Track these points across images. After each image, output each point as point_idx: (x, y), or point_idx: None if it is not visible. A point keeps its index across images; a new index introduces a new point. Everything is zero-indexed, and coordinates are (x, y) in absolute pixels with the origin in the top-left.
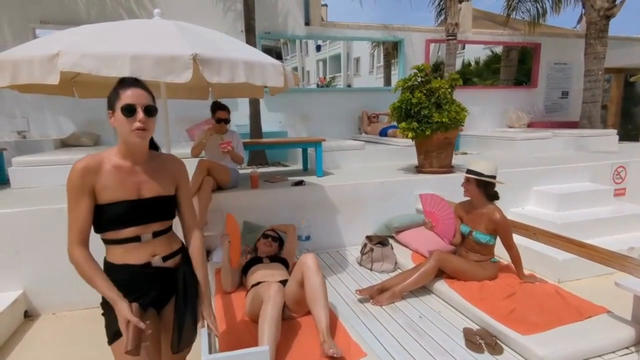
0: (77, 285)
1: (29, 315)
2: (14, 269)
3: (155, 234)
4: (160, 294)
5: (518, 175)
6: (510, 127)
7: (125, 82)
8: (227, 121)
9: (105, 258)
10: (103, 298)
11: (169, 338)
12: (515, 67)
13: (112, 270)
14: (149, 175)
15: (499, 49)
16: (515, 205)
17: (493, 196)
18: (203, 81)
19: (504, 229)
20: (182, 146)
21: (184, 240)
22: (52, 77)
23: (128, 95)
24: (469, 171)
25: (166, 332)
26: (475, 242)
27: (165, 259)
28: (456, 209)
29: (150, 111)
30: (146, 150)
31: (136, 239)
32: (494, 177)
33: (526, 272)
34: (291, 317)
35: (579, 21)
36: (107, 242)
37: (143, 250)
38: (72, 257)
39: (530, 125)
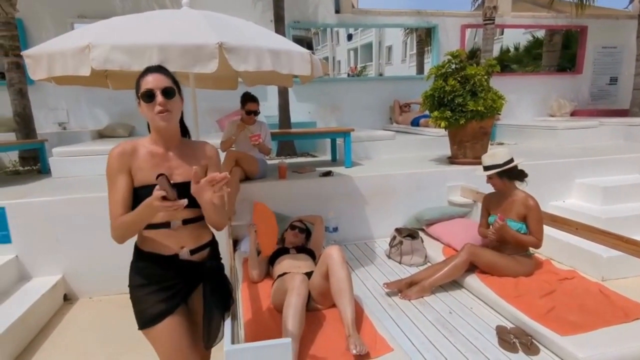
0: (111, 271)
1: (68, 299)
2: (54, 254)
3: (185, 222)
4: (186, 285)
5: (559, 167)
6: (552, 115)
7: (146, 71)
8: (256, 113)
9: (135, 243)
10: (130, 282)
11: (198, 331)
12: (559, 52)
13: (139, 257)
14: (181, 161)
15: (541, 33)
16: (556, 199)
17: (520, 176)
18: (231, 71)
19: (535, 214)
20: (212, 137)
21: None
22: (84, 69)
23: (147, 82)
24: (485, 168)
25: (195, 326)
26: None
27: (193, 252)
28: (484, 201)
29: (169, 93)
30: (177, 135)
31: (166, 225)
32: (511, 160)
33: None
34: (316, 308)
35: (632, 1)
36: None
37: (172, 240)
38: (113, 231)
39: (573, 113)
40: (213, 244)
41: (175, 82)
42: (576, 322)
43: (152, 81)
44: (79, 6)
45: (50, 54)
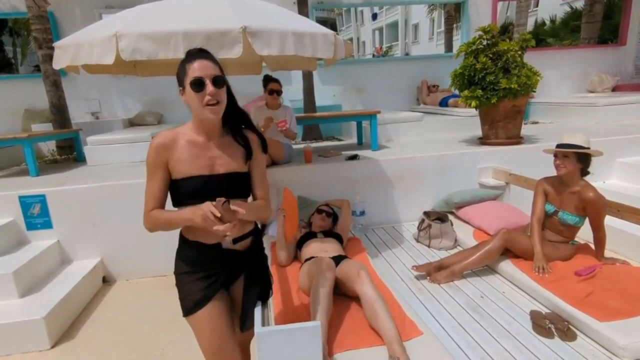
0: (145, 256)
1: (107, 281)
2: (92, 239)
3: None
4: (230, 274)
5: (598, 145)
6: (592, 91)
7: (191, 55)
8: (279, 93)
9: (180, 231)
10: (176, 269)
11: (238, 317)
12: (600, 23)
13: (185, 246)
14: (222, 151)
15: (580, 4)
16: (595, 179)
17: (588, 167)
18: (255, 56)
19: (597, 209)
20: None
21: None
22: (108, 58)
23: (195, 69)
24: (564, 145)
25: (235, 313)
26: (561, 223)
27: (235, 241)
28: (541, 185)
29: (219, 82)
30: (220, 124)
31: None
32: (589, 148)
33: (607, 252)
34: (344, 293)
35: None
36: None
37: None
38: (147, 221)
39: (616, 88)
40: (256, 233)
41: (221, 68)
42: (616, 308)
43: (199, 68)
44: None
45: (78, 44)
